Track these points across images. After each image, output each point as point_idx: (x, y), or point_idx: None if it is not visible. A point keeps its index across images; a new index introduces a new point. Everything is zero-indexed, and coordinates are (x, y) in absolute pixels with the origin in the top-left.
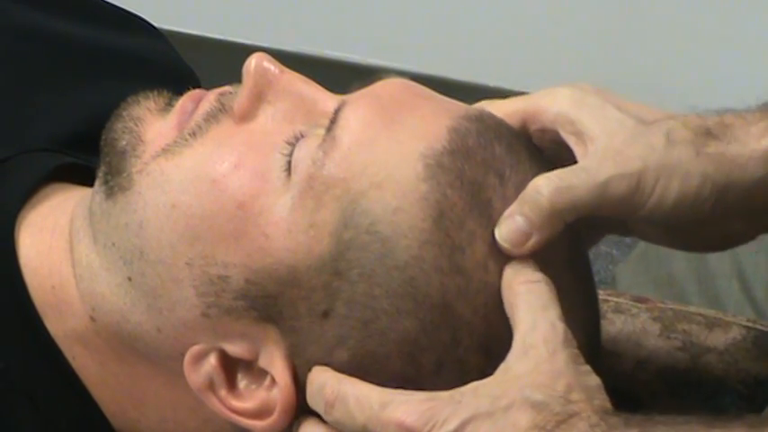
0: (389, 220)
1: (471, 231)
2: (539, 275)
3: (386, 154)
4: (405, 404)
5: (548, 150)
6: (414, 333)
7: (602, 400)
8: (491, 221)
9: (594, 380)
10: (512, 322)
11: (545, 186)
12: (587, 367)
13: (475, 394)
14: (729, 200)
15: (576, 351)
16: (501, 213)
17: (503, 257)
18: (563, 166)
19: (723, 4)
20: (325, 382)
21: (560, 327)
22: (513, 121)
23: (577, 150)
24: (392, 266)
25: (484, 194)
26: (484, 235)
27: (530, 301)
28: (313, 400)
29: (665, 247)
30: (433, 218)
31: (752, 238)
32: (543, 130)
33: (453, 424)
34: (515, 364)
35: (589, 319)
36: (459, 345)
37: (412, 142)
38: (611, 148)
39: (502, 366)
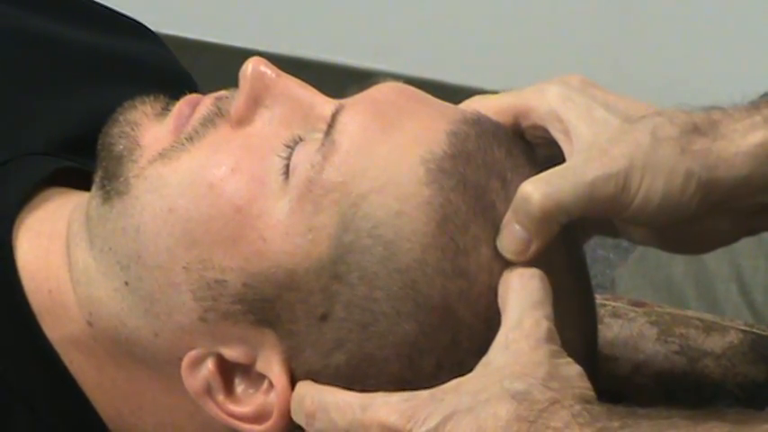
0: (392, 223)
1: (476, 235)
2: (534, 271)
3: (386, 158)
4: (386, 405)
5: (541, 147)
6: (413, 336)
7: (583, 387)
8: (495, 225)
9: (575, 369)
10: (501, 316)
11: (534, 192)
12: (568, 359)
13: (456, 391)
14: (715, 198)
15: (558, 348)
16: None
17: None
18: (556, 162)
19: (720, 4)
20: (304, 395)
21: (545, 324)
22: (505, 116)
23: (566, 149)
24: (394, 269)
25: (487, 198)
26: (488, 239)
27: (520, 298)
28: (296, 415)
29: (654, 248)
30: (437, 222)
31: (737, 239)
32: (535, 127)
33: (434, 421)
34: (495, 358)
35: (587, 322)
36: (459, 347)
37: (412, 147)
38: (596, 148)
39: (483, 361)
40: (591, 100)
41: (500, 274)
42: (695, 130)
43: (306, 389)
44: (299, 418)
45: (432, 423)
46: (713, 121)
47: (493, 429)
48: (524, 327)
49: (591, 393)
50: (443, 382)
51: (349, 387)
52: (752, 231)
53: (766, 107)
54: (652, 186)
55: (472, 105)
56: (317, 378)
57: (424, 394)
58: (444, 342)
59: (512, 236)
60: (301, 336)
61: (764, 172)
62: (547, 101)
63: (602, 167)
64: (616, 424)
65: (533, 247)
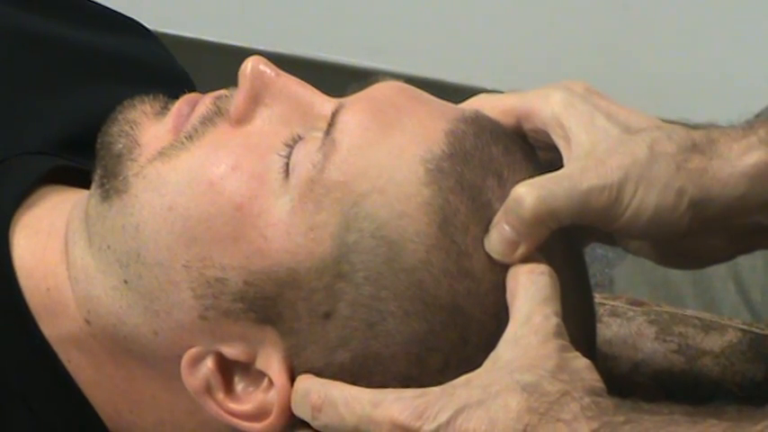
0: (395, 224)
1: (476, 236)
2: (543, 267)
3: (386, 158)
4: (397, 401)
5: (542, 150)
6: (422, 334)
7: (592, 379)
8: (490, 225)
9: (583, 362)
10: (510, 311)
11: (527, 195)
12: (576, 353)
13: (467, 386)
14: (708, 215)
15: (567, 343)
16: None
17: None
18: (556, 166)
19: (720, 7)
20: (309, 388)
21: (554, 320)
22: (508, 117)
23: (565, 155)
24: (399, 270)
25: (484, 197)
26: None
27: (529, 293)
28: (298, 408)
29: (649, 260)
30: (438, 223)
31: (732, 257)
32: (536, 131)
33: (446, 415)
34: (504, 353)
35: (585, 317)
36: (468, 344)
37: (411, 146)
38: (593, 157)
39: (491, 356)
40: (593, 108)
41: (505, 271)
42: (693, 147)
43: (310, 383)
44: (302, 412)
45: (443, 418)
46: (711, 140)
47: (504, 421)
48: (533, 322)
49: (600, 385)
50: (450, 378)
51: (352, 384)
52: (747, 249)
53: (761, 127)
54: (644, 201)
55: (475, 104)
56: (319, 376)
57: (435, 390)
58: (453, 339)
59: (500, 236)
60: (303, 333)
61: (759, 192)
62: (550, 106)
63: (597, 178)
64: (621, 419)
65: (520, 250)
